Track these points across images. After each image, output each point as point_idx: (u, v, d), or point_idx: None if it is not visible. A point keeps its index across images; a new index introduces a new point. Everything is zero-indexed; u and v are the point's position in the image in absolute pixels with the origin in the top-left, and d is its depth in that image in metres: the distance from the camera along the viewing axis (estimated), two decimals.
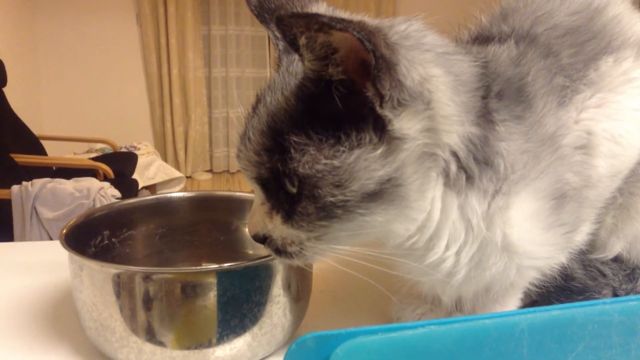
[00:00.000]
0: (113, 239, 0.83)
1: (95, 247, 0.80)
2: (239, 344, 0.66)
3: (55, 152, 4.69)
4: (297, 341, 0.52)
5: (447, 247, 0.61)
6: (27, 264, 0.96)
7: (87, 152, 5.05)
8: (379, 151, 0.55)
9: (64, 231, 0.71)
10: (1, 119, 4.01)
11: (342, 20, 0.49)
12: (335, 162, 0.55)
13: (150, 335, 0.65)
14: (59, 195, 3.30)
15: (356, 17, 0.60)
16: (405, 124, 0.54)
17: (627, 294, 0.79)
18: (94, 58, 5.64)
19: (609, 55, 0.68)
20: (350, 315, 0.81)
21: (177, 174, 5.25)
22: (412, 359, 0.52)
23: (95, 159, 4.44)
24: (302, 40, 0.51)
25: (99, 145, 5.08)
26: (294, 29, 0.50)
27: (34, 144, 4.27)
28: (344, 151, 0.55)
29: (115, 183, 3.65)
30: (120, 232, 0.84)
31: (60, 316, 0.80)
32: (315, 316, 0.79)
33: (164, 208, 0.88)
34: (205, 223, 0.89)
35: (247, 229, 0.67)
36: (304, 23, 0.49)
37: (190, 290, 0.64)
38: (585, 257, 0.78)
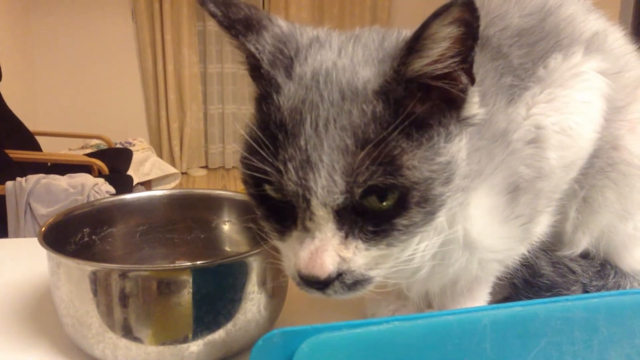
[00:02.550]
0: (93, 237, 0.84)
1: (75, 244, 0.81)
2: (213, 339, 0.68)
3: (50, 148, 4.68)
4: (264, 337, 0.53)
5: (419, 242, 0.63)
6: (8, 260, 0.97)
7: (82, 147, 5.05)
8: (463, 139, 0.58)
9: (43, 229, 0.72)
10: None
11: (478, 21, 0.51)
12: (446, 158, 0.56)
13: (126, 332, 0.66)
14: (53, 191, 3.31)
15: None
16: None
17: (598, 290, 0.81)
18: (89, 54, 5.63)
19: (558, 53, 0.70)
20: (327, 311, 0.82)
21: (172, 170, 5.25)
22: (376, 354, 0.53)
23: (90, 154, 4.43)
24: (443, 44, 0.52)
25: (94, 141, 5.08)
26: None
27: (28, 140, 4.26)
28: (443, 146, 0.56)
29: (109, 179, 3.66)
30: (101, 229, 0.85)
31: (40, 312, 0.82)
32: (292, 311, 0.81)
33: (145, 206, 0.89)
34: (186, 221, 0.90)
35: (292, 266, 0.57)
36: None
37: (165, 287, 0.65)
38: (553, 254, 0.79)
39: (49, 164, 4.10)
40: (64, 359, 0.71)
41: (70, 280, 0.67)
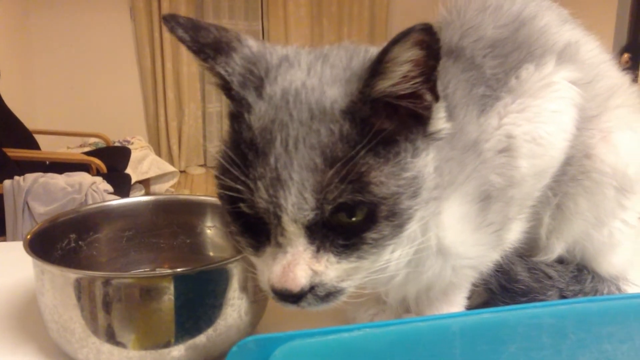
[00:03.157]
0: (80, 242, 0.85)
1: (62, 250, 0.83)
2: (195, 344, 0.69)
3: (49, 147, 4.71)
4: (239, 344, 0.55)
5: (393, 250, 0.64)
6: None
7: (81, 146, 5.07)
8: (430, 153, 0.59)
9: (29, 236, 0.74)
10: None
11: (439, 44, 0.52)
12: (412, 173, 0.57)
13: (109, 337, 0.68)
14: (51, 190, 3.33)
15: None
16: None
17: (575, 295, 0.82)
18: (87, 52, 5.64)
19: (530, 63, 0.71)
20: (309, 316, 0.83)
21: (171, 168, 5.27)
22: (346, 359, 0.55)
23: (88, 153, 4.46)
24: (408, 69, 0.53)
25: (93, 140, 5.10)
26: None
27: (26, 138, 4.29)
28: (410, 161, 0.57)
29: (107, 178, 3.68)
30: (87, 235, 0.86)
31: (27, 316, 0.83)
32: (275, 315, 0.82)
33: (130, 212, 0.91)
34: (171, 226, 0.92)
35: (271, 283, 0.57)
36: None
37: (147, 294, 0.67)
38: (530, 260, 0.81)
39: (47, 162, 4.11)
40: None
41: (55, 286, 0.69)
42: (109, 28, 5.74)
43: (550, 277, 0.81)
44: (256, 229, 0.59)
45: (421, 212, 0.59)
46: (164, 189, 5.26)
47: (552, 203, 0.78)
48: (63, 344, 0.71)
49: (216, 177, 0.60)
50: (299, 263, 0.56)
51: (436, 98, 0.57)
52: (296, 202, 0.54)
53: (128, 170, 4.52)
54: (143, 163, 5.05)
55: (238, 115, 0.59)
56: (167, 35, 5.73)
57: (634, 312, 0.61)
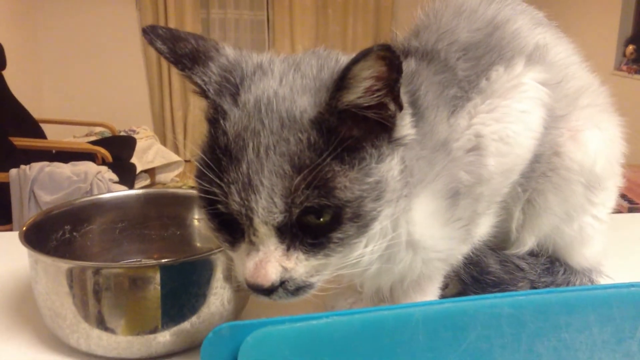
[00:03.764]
0: (74, 233, 0.90)
1: (57, 240, 0.87)
2: (179, 331, 0.74)
3: (56, 136, 4.75)
4: (214, 330, 0.59)
5: (366, 245, 0.68)
6: None
7: (87, 135, 5.10)
8: (395, 158, 0.63)
9: (24, 228, 0.78)
10: (0, 102, 4.05)
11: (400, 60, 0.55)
12: (376, 178, 0.61)
13: (98, 323, 0.72)
14: (57, 179, 3.37)
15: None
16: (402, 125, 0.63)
17: (547, 286, 0.86)
18: (93, 42, 5.68)
19: (500, 65, 0.74)
20: (291, 304, 0.87)
21: (176, 157, 5.31)
22: (316, 346, 0.59)
23: (94, 142, 4.50)
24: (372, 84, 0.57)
25: (98, 129, 5.13)
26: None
27: (33, 128, 4.32)
28: (374, 167, 0.61)
29: (113, 167, 3.73)
30: (81, 227, 0.91)
31: (23, 303, 0.88)
32: (258, 304, 0.85)
33: (122, 205, 0.95)
34: (162, 218, 0.96)
35: (245, 278, 0.62)
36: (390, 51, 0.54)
37: (133, 283, 0.71)
38: (502, 252, 0.85)
39: (53, 151, 4.13)
40: (43, 347, 0.77)
41: (48, 275, 0.73)
42: (115, 18, 5.77)
43: (521, 269, 0.85)
44: (232, 227, 0.63)
45: (387, 212, 0.63)
46: (169, 179, 5.30)
47: (523, 198, 0.81)
48: (56, 330, 0.76)
49: (195, 179, 0.63)
50: (270, 260, 0.60)
51: (400, 107, 0.60)
52: (266, 206, 0.58)
53: (133, 160, 4.56)
54: (148, 152, 5.09)
55: (214, 121, 0.62)
56: (172, 25, 5.75)
57: (590, 304, 0.65)
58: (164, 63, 5.81)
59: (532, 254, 0.87)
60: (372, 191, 0.60)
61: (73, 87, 5.71)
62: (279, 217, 0.58)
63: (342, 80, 0.56)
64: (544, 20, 0.84)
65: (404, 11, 6.03)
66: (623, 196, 3.77)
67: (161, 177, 5.27)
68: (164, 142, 5.79)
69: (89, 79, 5.73)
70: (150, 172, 5.11)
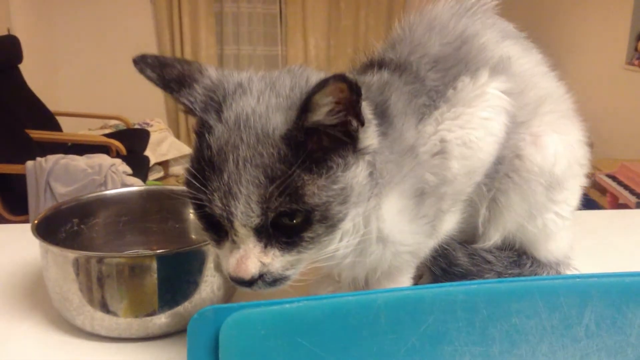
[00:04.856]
0: (82, 226, 0.99)
1: (66, 232, 0.96)
2: (173, 314, 0.82)
3: (71, 128, 4.82)
4: (199, 312, 0.66)
5: (340, 239, 0.76)
6: (12, 243, 1.14)
7: (102, 128, 5.18)
8: (359, 166, 0.70)
9: (36, 221, 0.87)
10: (17, 95, 4.12)
11: (339, 75, 0.62)
12: (341, 185, 0.68)
13: (101, 306, 0.81)
14: (72, 171, 3.45)
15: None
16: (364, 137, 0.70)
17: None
18: (109, 36, 5.76)
19: (466, 76, 0.81)
20: (277, 293, 0.95)
21: (189, 150, 5.34)
22: (289, 327, 0.66)
23: (108, 135, 4.57)
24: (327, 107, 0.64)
25: (113, 122, 5.21)
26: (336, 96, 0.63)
27: (49, 120, 4.40)
28: (341, 175, 0.68)
29: (127, 159, 3.78)
30: (88, 220, 1.00)
31: (36, 288, 0.97)
32: (247, 291, 0.94)
33: (126, 200, 1.04)
34: (162, 212, 1.05)
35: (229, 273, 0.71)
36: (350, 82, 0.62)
37: (132, 271, 0.79)
38: (470, 246, 0.92)
39: (68, 144, 4.22)
40: (52, 327, 0.86)
41: (56, 264, 0.82)
42: (129, 11, 5.85)
43: (488, 262, 0.91)
44: (217, 227, 0.71)
45: (354, 212, 0.71)
46: (182, 171, 5.35)
47: (487, 197, 0.88)
48: (63, 312, 0.85)
49: (185, 185, 0.72)
50: (249, 257, 0.68)
51: (362, 123, 0.67)
52: (244, 211, 0.66)
53: (147, 152, 4.64)
54: (162, 145, 5.16)
55: (201, 134, 0.70)
56: (186, 19, 5.83)
57: (539, 292, 0.71)
58: (178, 56, 5.85)
59: (500, 247, 0.93)
60: (338, 196, 0.68)
61: (88, 80, 5.78)
62: (255, 220, 0.66)
63: (306, 105, 0.64)
64: (513, 32, 0.90)
65: (416, 5, 6.03)
66: (632, 191, 3.81)
67: (174, 169, 5.35)
68: (177, 135, 5.87)
69: (103, 72, 5.79)
70: (164, 164, 5.19)
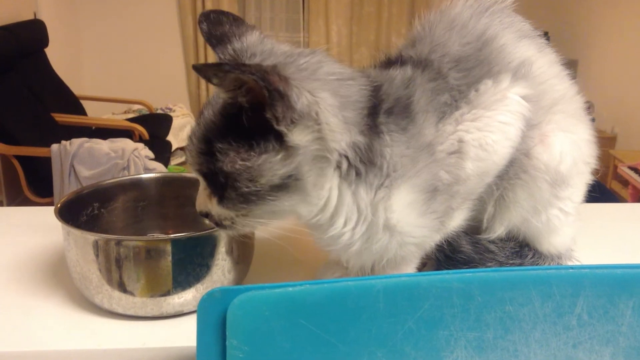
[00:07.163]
0: (102, 210, 1.04)
1: (87, 216, 1.01)
2: (185, 295, 0.87)
3: (95, 112, 4.90)
4: (208, 292, 0.70)
5: (344, 224, 0.80)
6: (37, 226, 1.19)
7: (125, 112, 5.25)
8: (280, 156, 0.73)
9: (59, 205, 0.92)
10: (43, 79, 4.22)
11: (243, 65, 0.67)
12: (248, 164, 0.73)
13: (119, 286, 0.85)
14: (95, 154, 3.52)
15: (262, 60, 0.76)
16: (297, 136, 0.72)
17: None
18: (132, 21, 5.82)
19: (489, 79, 0.83)
20: (286, 277, 1.00)
21: None
22: (292, 309, 0.70)
23: (131, 119, 4.63)
24: (215, 80, 0.69)
25: (136, 107, 5.28)
26: (208, 73, 0.69)
27: (74, 104, 4.49)
28: (254, 155, 0.73)
29: (149, 144, 3.84)
30: (108, 204, 1.05)
31: (58, 268, 1.03)
32: (258, 274, 0.99)
33: (145, 186, 1.09)
34: (179, 198, 1.09)
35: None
36: (214, 70, 0.68)
37: (148, 253, 0.84)
38: (474, 236, 0.95)
39: (93, 127, 4.28)
40: (73, 305, 0.92)
41: (77, 245, 0.87)
42: None
43: (491, 251, 0.95)
44: None
45: (285, 196, 0.76)
46: None
47: (495, 194, 0.91)
48: (84, 290, 0.90)
49: None
50: (201, 195, 0.82)
51: (276, 121, 0.70)
52: (191, 160, 0.79)
53: (169, 137, 4.70)
54: (184, 130, 5.19)
55: None
56: (209, 3, 5.86)
57: (531, 282, 0.74)
58: (201, 43, 5.91)
59: (504, 238, 0.96)
60: (244, 172, 0.73)
61: (112, 65, 5.86)
62: (196, 167, 0.78)
63: (223, 82, 0.70)
64: (529, 32, 0.92)
65: None
66: None
67: None
68: None
69: (127, 57, 5.87)
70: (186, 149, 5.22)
